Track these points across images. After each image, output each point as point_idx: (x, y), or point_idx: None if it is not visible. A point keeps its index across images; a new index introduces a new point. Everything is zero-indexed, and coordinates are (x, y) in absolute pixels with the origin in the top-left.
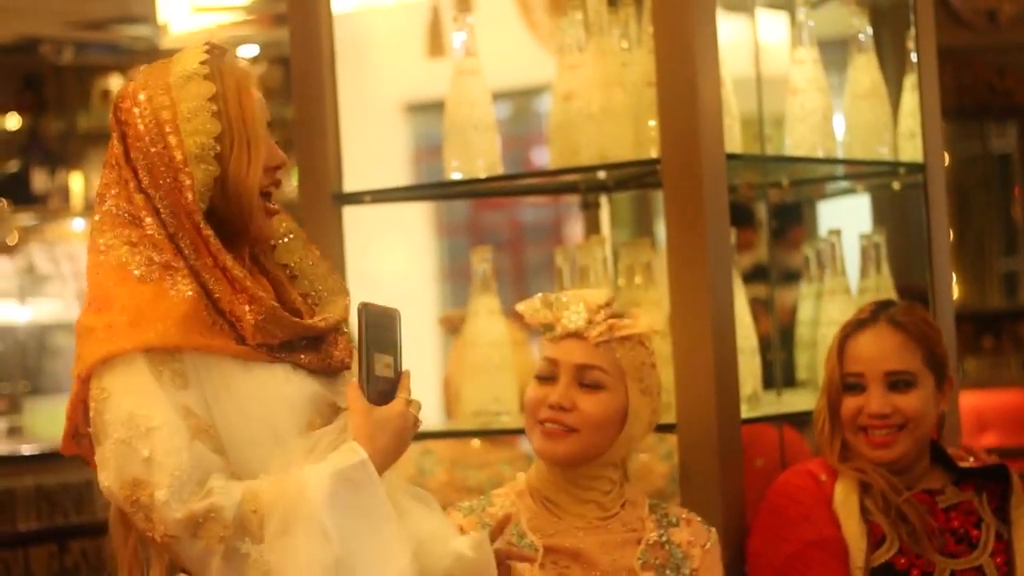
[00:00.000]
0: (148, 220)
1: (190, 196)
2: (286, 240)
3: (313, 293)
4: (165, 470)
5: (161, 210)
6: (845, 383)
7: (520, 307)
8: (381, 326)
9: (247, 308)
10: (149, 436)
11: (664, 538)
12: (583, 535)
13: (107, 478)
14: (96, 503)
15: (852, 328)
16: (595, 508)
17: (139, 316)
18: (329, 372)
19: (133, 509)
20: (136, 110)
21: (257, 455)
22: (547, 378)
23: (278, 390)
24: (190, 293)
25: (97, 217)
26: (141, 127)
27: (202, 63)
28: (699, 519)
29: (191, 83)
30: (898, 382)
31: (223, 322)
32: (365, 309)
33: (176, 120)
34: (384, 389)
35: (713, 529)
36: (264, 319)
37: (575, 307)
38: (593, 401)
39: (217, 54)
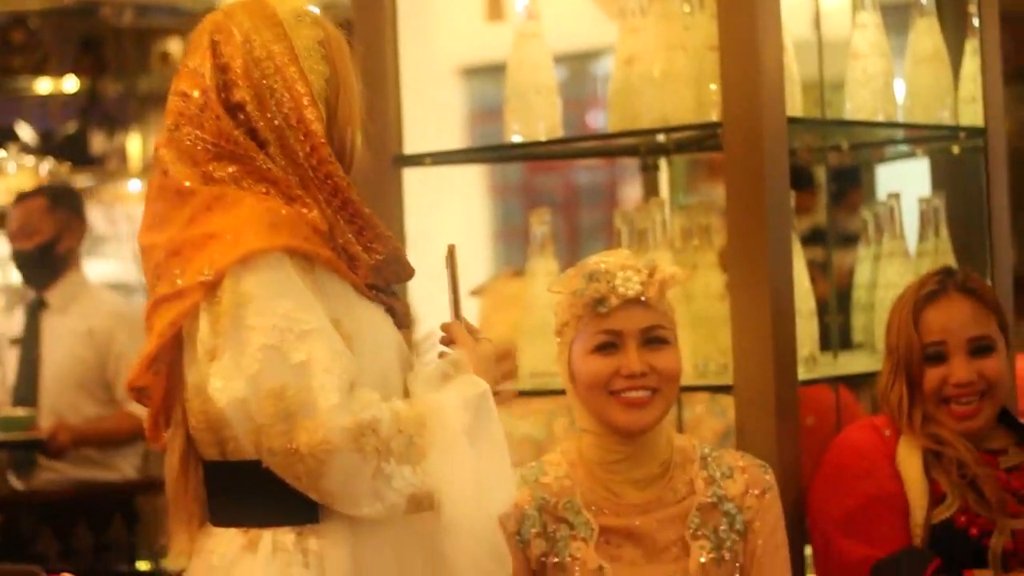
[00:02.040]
0: (255, 155)
1: (319, 129)
2: None
3: None
4: (333, 373)
5: (270, 144)
6: (926, 354)
7: (562, 289)
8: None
9: (361, 248)
10: (305, 339)
11: (715, 496)
12: (637, 513)
13: (239, 388)
14: None
15: (924, 300)
16: (650, 481)
17: (276, 219)
18: (399, 325)
19: (273, 420)
20: (239, 40)
21: (379, 372)
22: (608, 351)
23: (385, 328)
24: (317, 216)
25: (161, 149)
26: (250, 59)
27: (307, 8)
28: (757, 462)
29: (302, 23)
30: (980, 348)
31: (340, 251)
32: (453, 252)
33: (295, 53)
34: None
35: (770, 470)
36: (384, 259)
37: (623, 274)
38: (665, 357)
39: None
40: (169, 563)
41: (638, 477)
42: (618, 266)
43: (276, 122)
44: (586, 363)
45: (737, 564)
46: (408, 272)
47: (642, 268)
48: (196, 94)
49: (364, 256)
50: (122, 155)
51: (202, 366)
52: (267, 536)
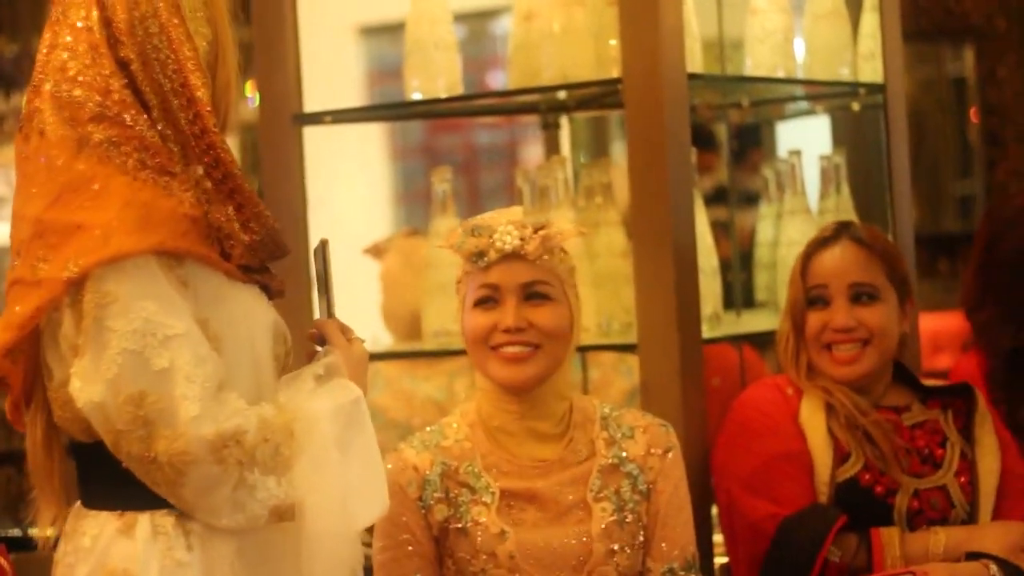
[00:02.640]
0: (138, 117)
1: (204, 96)
2: None
3: None
4: (196, 381)
5: (153, 108)
6: (809, 297)
7: (444, 244)
8: (328, 262)
9: (238, 226)
10: (168, 345)
11: (616, 458)
12: (537, 475)
13: (97, 392)
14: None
15: (815, 246)
16: (549, 440)
17: (147, 215)
18: (272, 297)
19: (132, 426)
20: None
21: (248, 374)
22: (488, 305)
23: (257, 312)
24: (190, 199)
25: (37, 104)
26: (136, 15)
27: None
28: (658, 422)
29: None
30: (861, 294)
31: (212, 236)
32: (325, 246)
33: (182, 14)
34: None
35: (671, 429)
36: (260, 239)
37: (503, 228)
38: (546, 313)
39: None
40: (39, 537)
41: (535, 437)
42: (501, 222)
43: (160, 85)
44: (469, 318)
45: (640, 524)
46: (283, 251)
47: (527, 224)
48: (82, 48)
49: (240, 235)
50: (18, 115)
51: (66, 361)
52: (144, 519)
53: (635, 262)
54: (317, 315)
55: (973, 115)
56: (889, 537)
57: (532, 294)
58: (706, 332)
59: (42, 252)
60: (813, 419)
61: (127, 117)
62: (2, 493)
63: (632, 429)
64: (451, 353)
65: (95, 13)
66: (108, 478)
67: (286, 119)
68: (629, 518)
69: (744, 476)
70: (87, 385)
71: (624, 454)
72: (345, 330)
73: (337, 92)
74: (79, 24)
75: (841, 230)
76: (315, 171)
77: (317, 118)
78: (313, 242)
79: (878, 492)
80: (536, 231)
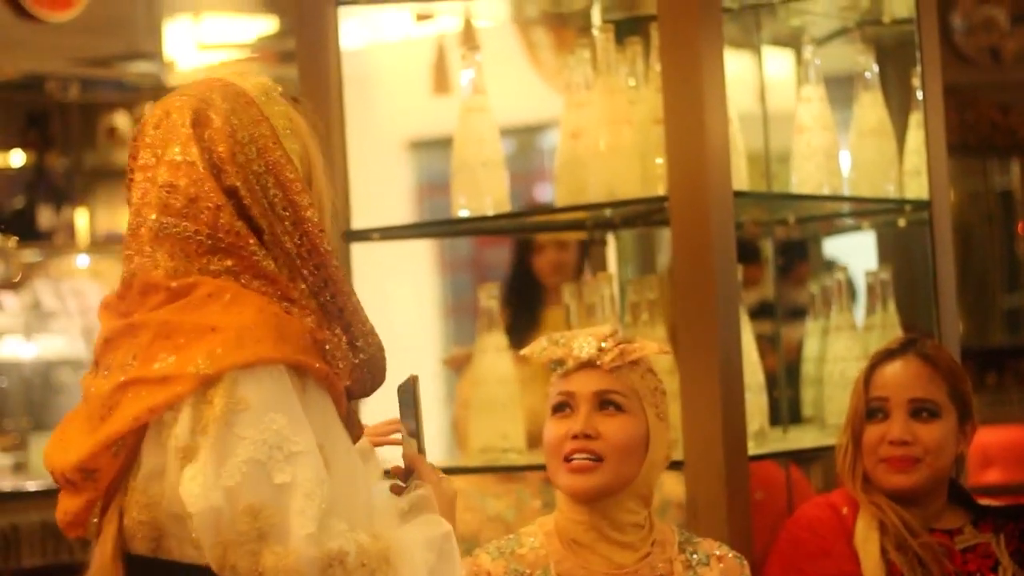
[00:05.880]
0: (254, 247)
1: (312, 216)
2: None
3: None
4: (314, 500)
5: (263, 233)
6: (869, 409)
7: (525, 351)
8: (418, 397)
9: (346, 344)
10: (292, 460)
11: None
12: None
13: (215, 498)
14: None
15: (881, 358)
16: (625, 549)
17: (280, 325)
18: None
19: (244, 539)
20: (218, 123)
21: (350, 500)
22: (564, 413)
23: (353, 449)
24: (312, 322)
25: (135, 247)
26: (234, 142)
27: (271, 83)
28: (732, 554)
29: (272, 100)
30: (921, 410)
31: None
32: (416, 382)
33: (276, 134)
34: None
35: (746, 563)
36: (367, 359)
37: (583, 339)
38: (616, 425)
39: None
40: None
41: (609, 546)
42: (584, 333)
43: (266, 210)
44: (546, 426)
45: None
46: (381, 378)
47: (609, 337)
48: (183, 184)
49: (348, 356)
50: (70, 230)
51: (170, 461)
52: None
53: (681, 378)
54: (402, 450)
55: (1021, 228)
56: None
57: (605, 402)
58: (752, 448)
59: (166, 353)
60: (868, 541)
61: (243, 247)
62: None
63: (708, 556)
64: (496, 470)
65: (195, 146)
66: None
67: (338, 232)
68: None
69: None
70: (207, 491)
71: None
72: (433, 469)
73: (386, 207)
74: (181, 157)
75: (908, 344)
76: (363, 286)
77: (365, 235)
78: None
79: None
80: (616, 344)
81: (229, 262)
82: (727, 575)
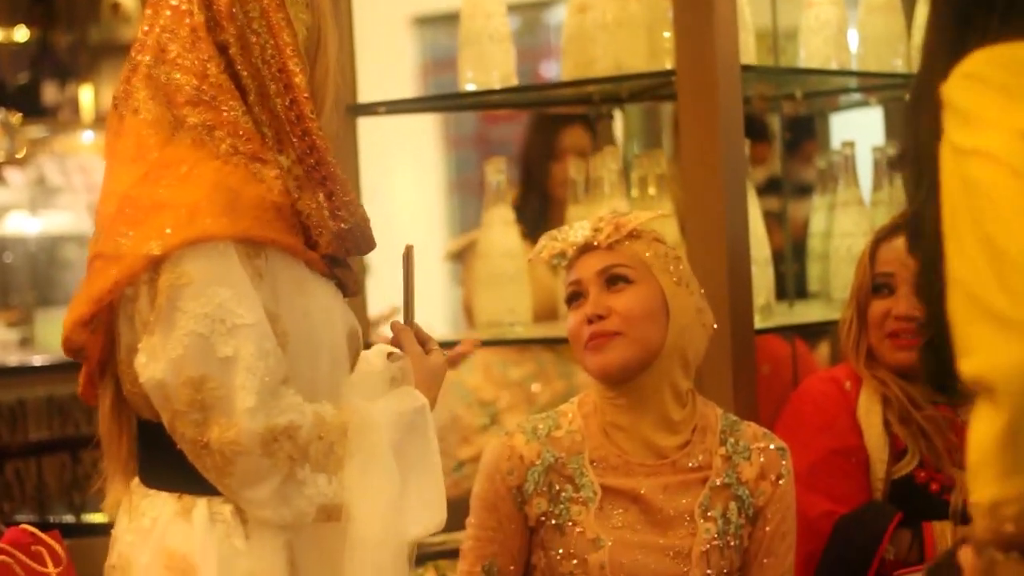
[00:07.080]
0: (233, 103)
1: (301, 82)
2: None
3: None
4: (255, 374)
5: (250, 92)
6: (875, 284)
7: (531, 256)
8: (412, 268)
9: (328, 213)
10: (235, 333)
11: (730, 478)
12: (645, 474)
13: (159, 370)
14: None
15: (886, 232)
16: (665, 430)
17: (234, 200)
18: (347, 295)
19: (188, 409)
20: None
21: (313, 372)
22: (578, 303)
23: (334, 310)
24: (279, 187)
25: (134, 83)
26: None
27: None
28: (774, 445)
29: None
30: None
31: (298, 224)
32: (410, 252)
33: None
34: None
35: (787, 454)
36: (349, 228)
37: (578, 225)
38: (625, 298)
39: None
40: (106, 510)
41: (647, 431)
42: (576, 221)
43: (258, 69)
44: (568, 320)
45: (741, 548)
46: (369, 245)
47: (603, 216)
48: (183, 32)
49: (329, 223)
50: (74, 106)
51: (137, 337)
52: (202, 504)
53: (688, 253)
54: (401, 320)
55: None
56: (942, 531)
57: (612, 279)
58: (758, 322)
59: (124, 227)
60: (870, 414)
61: (223, 102)
62: (56, 480)
63: (749, 450)
64: (503, 343)
65: None
66: (168, 458)
67: (340, 110)
68: (732, 543)
69: (801, 472)
70: (151, 362)
71: (738, 475)
72: (425, 340)
73: (391, 83)
74: (179, 5)
75: None
76: (369, 161)
77: (371, 109)
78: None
79: (933, 490)
80: (612, 222)
81: (207, 116)
82: (766, 469)
